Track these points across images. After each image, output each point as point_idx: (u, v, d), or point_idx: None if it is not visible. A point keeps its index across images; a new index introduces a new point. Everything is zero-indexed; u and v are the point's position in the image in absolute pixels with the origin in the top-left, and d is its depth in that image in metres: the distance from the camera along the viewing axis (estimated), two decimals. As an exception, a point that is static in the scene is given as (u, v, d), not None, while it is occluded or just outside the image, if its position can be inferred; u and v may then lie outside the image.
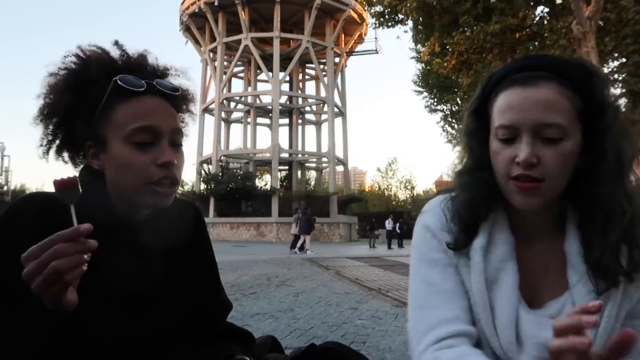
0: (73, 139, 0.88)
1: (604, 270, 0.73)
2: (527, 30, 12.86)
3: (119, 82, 0.82)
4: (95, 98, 0.83)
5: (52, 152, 0.89)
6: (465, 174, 0.84)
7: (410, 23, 14.85)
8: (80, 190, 0.70)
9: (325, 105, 32.39)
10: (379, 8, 14.44)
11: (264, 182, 35.87)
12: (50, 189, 0.73)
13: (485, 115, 0.82)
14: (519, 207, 0.76)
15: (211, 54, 32.30)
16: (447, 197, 0.87)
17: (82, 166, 0.91)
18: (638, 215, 0.75)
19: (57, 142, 0.89)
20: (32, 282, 0.63)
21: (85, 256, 0.64)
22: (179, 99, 0.92)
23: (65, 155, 0.91)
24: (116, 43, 0.91)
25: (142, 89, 0.84)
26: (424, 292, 0.82)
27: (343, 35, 33.99)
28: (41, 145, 0.88)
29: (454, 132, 21.16)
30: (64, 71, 0.87)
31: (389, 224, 21.76)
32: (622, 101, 12.44)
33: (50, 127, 0.88)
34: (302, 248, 15.06)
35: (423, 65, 20.92)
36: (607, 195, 0.73)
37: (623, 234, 0.73)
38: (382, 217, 23.36)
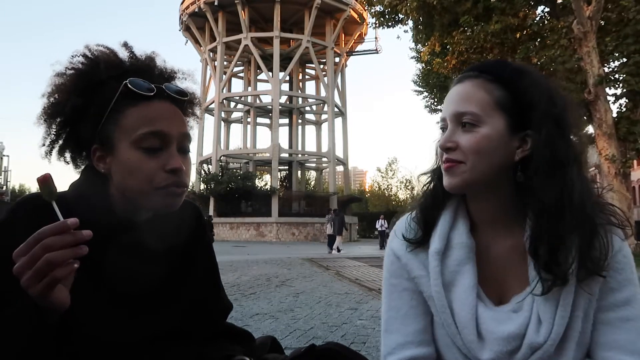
0: (78, 140, 0.86)
1: (548, 268, 0.74)
2: (528, 30, 12.86)
3: (129, 85, 0.81)
4: (103, 100, 0.82)
5: (54, 152, 0.87)
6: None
7: (410, 23, 14.86)
8: (56, 186, 0.69)
9: (325, 105, 32.41)
10: (379, 8, 14.45)
11: (263, 182, 35.89)
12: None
13: None
14: (446, 188, 0.82)
15: (211, 54, 32.32)
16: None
17: (83, 167, 0.89)
18: (587, 215, 0.74)
19: (60, 142, 0.87)
20: (22, 276, 0.62)
21: (79, 249, 0.63)
22: (186, 103, 0.91)
23: (68, 155, 0.88)
24: (125, 44, 0.89)
25: (151, 94, 0.82)
26: (386, 316, 0.89)
27: (343, 35, 34.01)
28: (43, 145, 0.86)
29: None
30: (72, 71, 0.85)
31: (379, 224, 21.35)
32: (623, 101, 12.44)
33: (54, 127, 0.85)
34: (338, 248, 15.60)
35: (423, 65, 20.92)
36: (540, 189, 0.75)
37: (566, 232, 0.73)
38: (388, 216, 23.21)
